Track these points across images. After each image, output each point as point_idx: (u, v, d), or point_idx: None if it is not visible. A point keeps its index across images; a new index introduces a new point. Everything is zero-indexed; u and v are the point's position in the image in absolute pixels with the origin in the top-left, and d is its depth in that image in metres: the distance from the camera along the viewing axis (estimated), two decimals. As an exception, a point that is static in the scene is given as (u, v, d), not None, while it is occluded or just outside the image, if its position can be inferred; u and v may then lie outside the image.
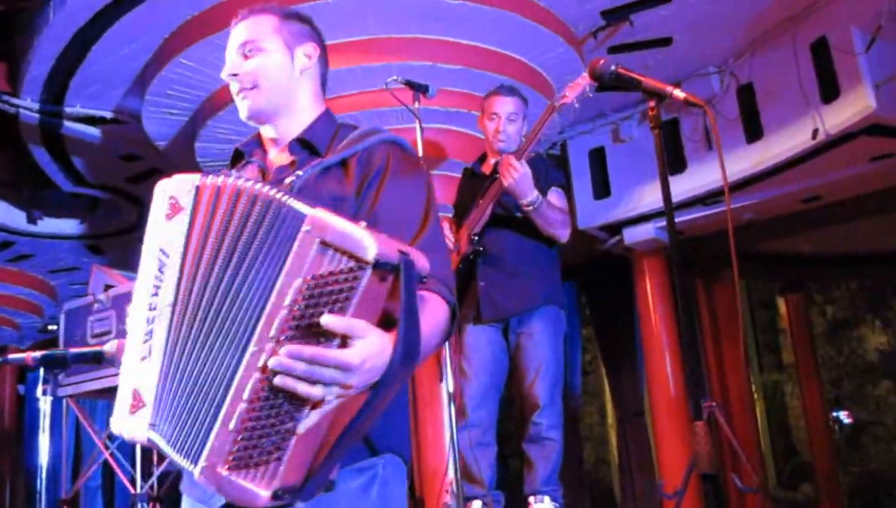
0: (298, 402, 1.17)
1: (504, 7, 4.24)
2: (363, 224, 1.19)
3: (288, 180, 1.48)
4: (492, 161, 3.58)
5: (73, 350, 2.07)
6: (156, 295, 1.31)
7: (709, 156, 5.62)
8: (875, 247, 8.29)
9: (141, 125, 5.11)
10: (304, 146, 1.60)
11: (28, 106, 5.10)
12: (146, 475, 4.69)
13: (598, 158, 6.26)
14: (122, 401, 1.32)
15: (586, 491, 8.49)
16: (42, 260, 7.90)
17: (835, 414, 9.25)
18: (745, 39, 5.23)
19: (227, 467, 1.18)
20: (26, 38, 4.66)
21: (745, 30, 5.12)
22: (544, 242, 3.47)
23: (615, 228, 6.48)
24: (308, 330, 1.17)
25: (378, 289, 1.18)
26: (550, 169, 3.65)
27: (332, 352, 1.16)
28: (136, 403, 1.29)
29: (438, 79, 4.06)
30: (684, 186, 5.69)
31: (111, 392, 1.83)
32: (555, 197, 3.47)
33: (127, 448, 4.82)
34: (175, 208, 1.32)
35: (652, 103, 2.35)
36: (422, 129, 3.55)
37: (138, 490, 4.53)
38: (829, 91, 4.81)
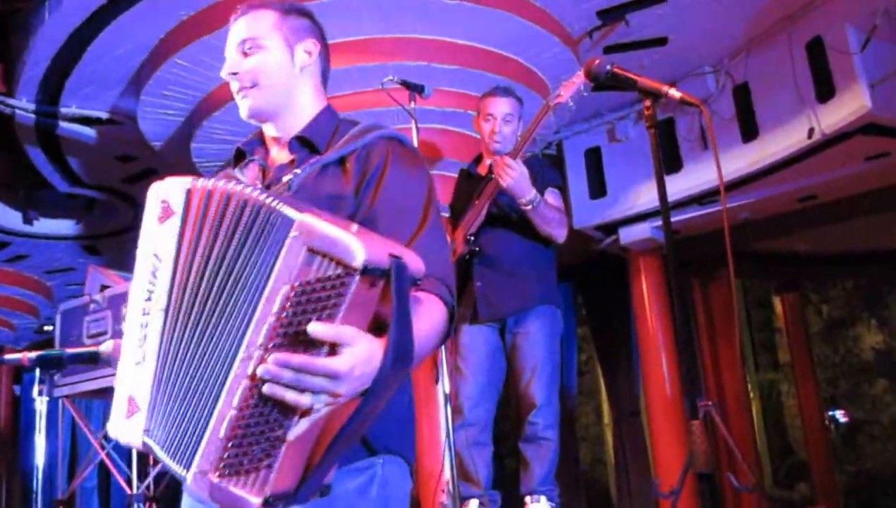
0: (288, 410, 1.16)
1: (500, 7, 4.24)
2: (355, 227, 1.18)
3: (286, 179, 1.47)
4: (487, 162, 3.57)
5: (70, 350, 2.07)
6: (149, 299, 1.31)
7: (704, 156, 5.62)
8: (871, 246, 8.29)
9: (137, 125, 5.11)
10: (304, 144, 1.58)
11: (24, 106, 5.09)
12: (142, 475, 4.67)
13: (594, 158, 6.26)
14: (118, 406, 1.32)
15: (582, 491, 8.48)
16: (38, 261, 7.88)
17: (831, 413, 9.24)
18: (740, 39, 5.23)
19: (217, 474, 1.17)
20: (22, 39, 4.65)
21: (741, 29, 5.12)
22: (541, 242, 3.47)
23: (611, 228, 6.48)
24: (297, 338, 1.15)
25: (368, 295, 1.16)
26: (546, 169, 3.65)
27: (320, 361, 1.14)
28: (132, 408, 1.29)
29: (434, 79, 4.07)
30: (680, 186, 5.69)
31: (107, 392, 1.84)
32: (551, 197, 3.47)
33: (123, 448, 4.79)
34: (167, 212, 1.31)
35: (648, 103, 2.36)
36: (418, 129, 3.55)
37: (134, 491, 4.52)
38: (825, 90, 4.81)
